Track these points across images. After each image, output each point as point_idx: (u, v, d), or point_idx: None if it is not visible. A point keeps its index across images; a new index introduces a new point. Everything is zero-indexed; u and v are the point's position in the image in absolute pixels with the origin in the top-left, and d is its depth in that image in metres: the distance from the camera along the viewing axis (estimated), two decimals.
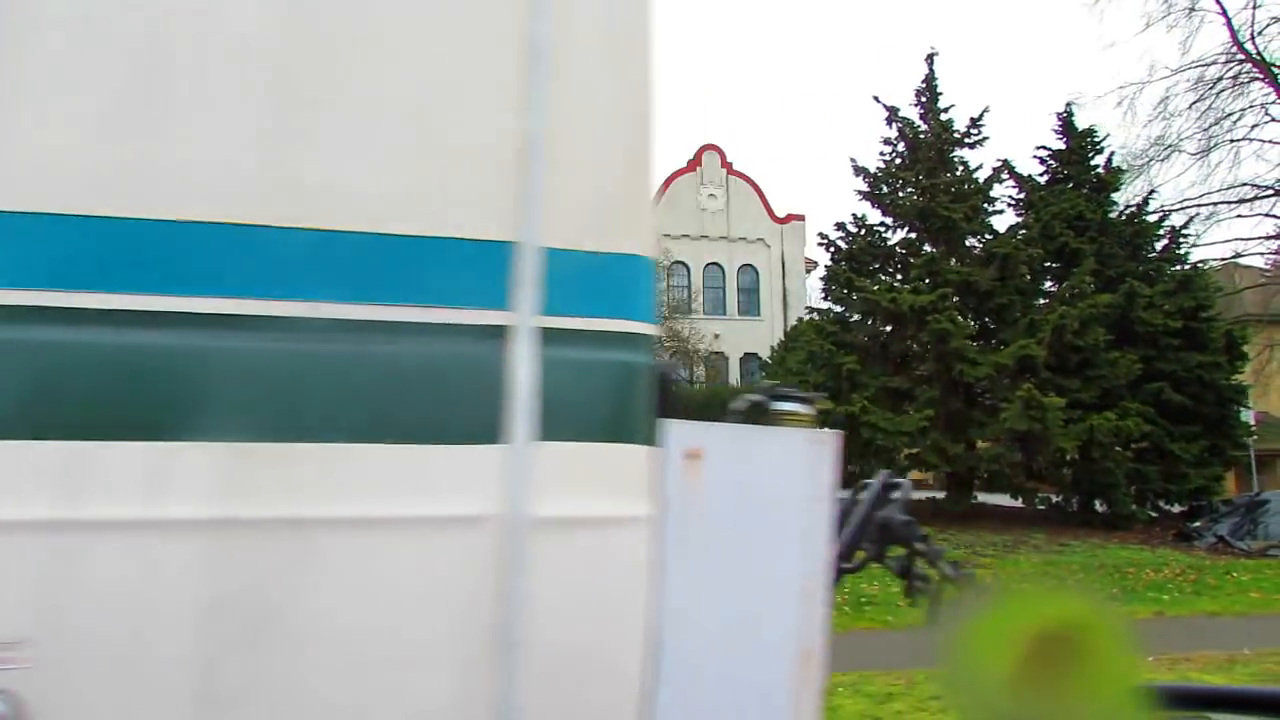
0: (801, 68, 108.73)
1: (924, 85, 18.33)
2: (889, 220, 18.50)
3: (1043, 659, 0.90)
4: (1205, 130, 23.95)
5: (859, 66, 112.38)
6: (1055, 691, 0.89)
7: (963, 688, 0.96)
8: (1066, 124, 20.01)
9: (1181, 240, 18.52)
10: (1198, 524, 15.90)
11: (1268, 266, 25.50)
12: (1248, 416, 27.74)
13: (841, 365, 16.32)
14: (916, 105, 18.34)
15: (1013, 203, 19.93)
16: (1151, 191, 19.12)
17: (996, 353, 15.91)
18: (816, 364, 17.10)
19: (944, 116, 18.14)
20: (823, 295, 18.74)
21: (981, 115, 18.01)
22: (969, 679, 0.96)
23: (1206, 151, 23.56)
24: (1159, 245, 18.36)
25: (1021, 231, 18.07)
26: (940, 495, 17.21)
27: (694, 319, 41.18)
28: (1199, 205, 25.08)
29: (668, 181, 45.21)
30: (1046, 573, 11.90)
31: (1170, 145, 24.16)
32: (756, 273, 34.74)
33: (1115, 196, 19.31)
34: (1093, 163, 19.57)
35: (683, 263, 44.76)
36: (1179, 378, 16.83)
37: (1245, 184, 23.23)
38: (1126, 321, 17.26)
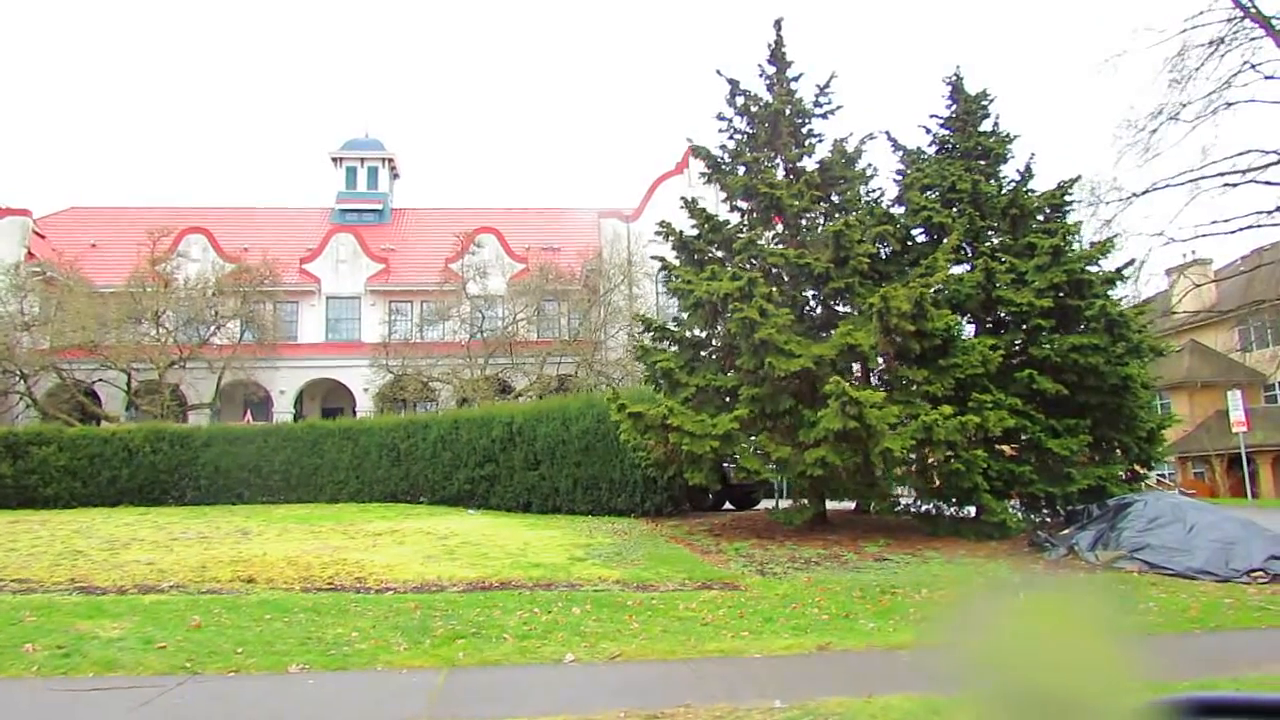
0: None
1: (771, 55, 16.67)
2: (743, 205, 16.88)
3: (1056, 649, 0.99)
4: (1207, 96, 21.65)
5: (872, 64, 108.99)
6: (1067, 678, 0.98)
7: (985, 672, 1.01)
8: (956, 88, 17.99)
9: (1066, 208, 16.23)
10: (1066, 531, 13.69)
11: None
12: (1237, 410, 24.54)
13: (656, 363, 14.84)
14: (763, 77, 16.69)
15: (897, 178, 18.02)
16: (1032, 156, 16.92)
17: (820, 344, 14.12)
18: (643, 361, 15.66)
19: (791, 86, 16.44)
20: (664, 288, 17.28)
21: (829, 83, 16.22)
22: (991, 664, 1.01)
23: (1212, 113, 21.23)
24: (1041, 218, 16.12)
25: (874, 205, 16.20)
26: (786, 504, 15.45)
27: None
28: (1202, 176, 22.58)
29: (655, 184, 44.00)
30: (785, 598, 10.21)
31: (1168, 115, 21.92)
32: None
33: (1004, 168, 17.20)
34: (981, 129, 17.47)
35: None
36: (1054, 364, 14.61)
37: (1252, 150, 20.77)
38: (992, 302, 15.20)
